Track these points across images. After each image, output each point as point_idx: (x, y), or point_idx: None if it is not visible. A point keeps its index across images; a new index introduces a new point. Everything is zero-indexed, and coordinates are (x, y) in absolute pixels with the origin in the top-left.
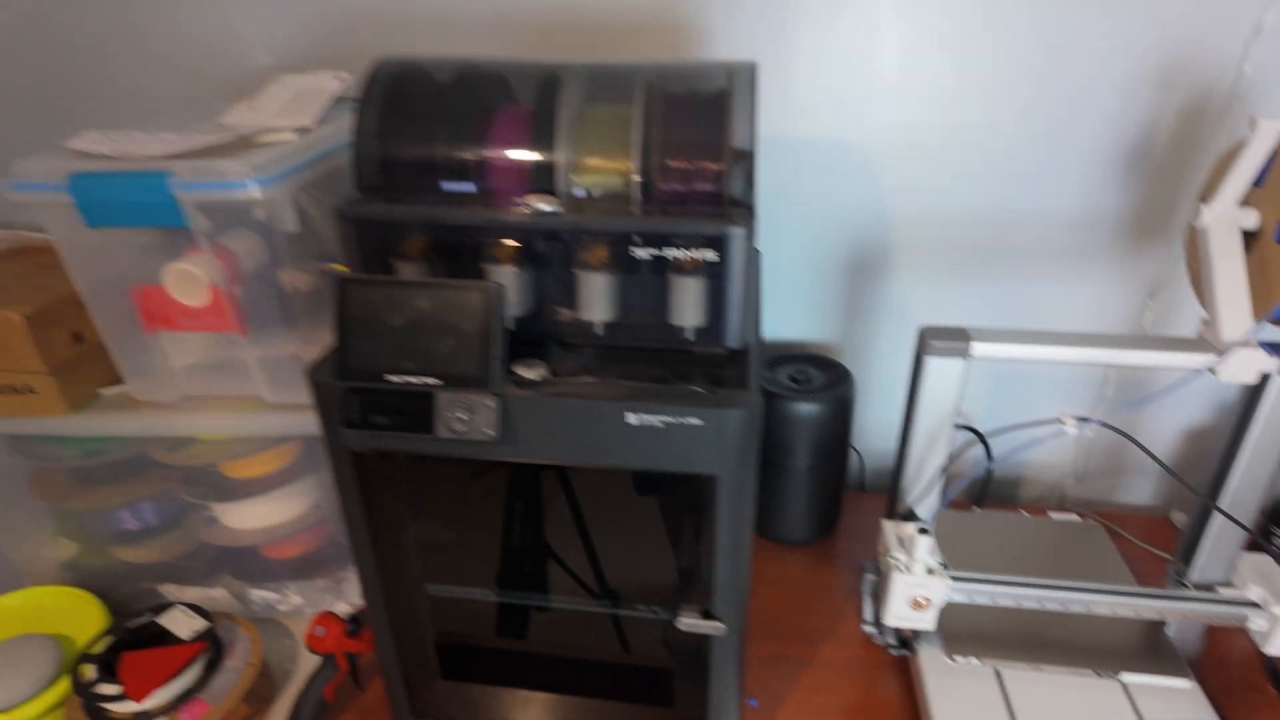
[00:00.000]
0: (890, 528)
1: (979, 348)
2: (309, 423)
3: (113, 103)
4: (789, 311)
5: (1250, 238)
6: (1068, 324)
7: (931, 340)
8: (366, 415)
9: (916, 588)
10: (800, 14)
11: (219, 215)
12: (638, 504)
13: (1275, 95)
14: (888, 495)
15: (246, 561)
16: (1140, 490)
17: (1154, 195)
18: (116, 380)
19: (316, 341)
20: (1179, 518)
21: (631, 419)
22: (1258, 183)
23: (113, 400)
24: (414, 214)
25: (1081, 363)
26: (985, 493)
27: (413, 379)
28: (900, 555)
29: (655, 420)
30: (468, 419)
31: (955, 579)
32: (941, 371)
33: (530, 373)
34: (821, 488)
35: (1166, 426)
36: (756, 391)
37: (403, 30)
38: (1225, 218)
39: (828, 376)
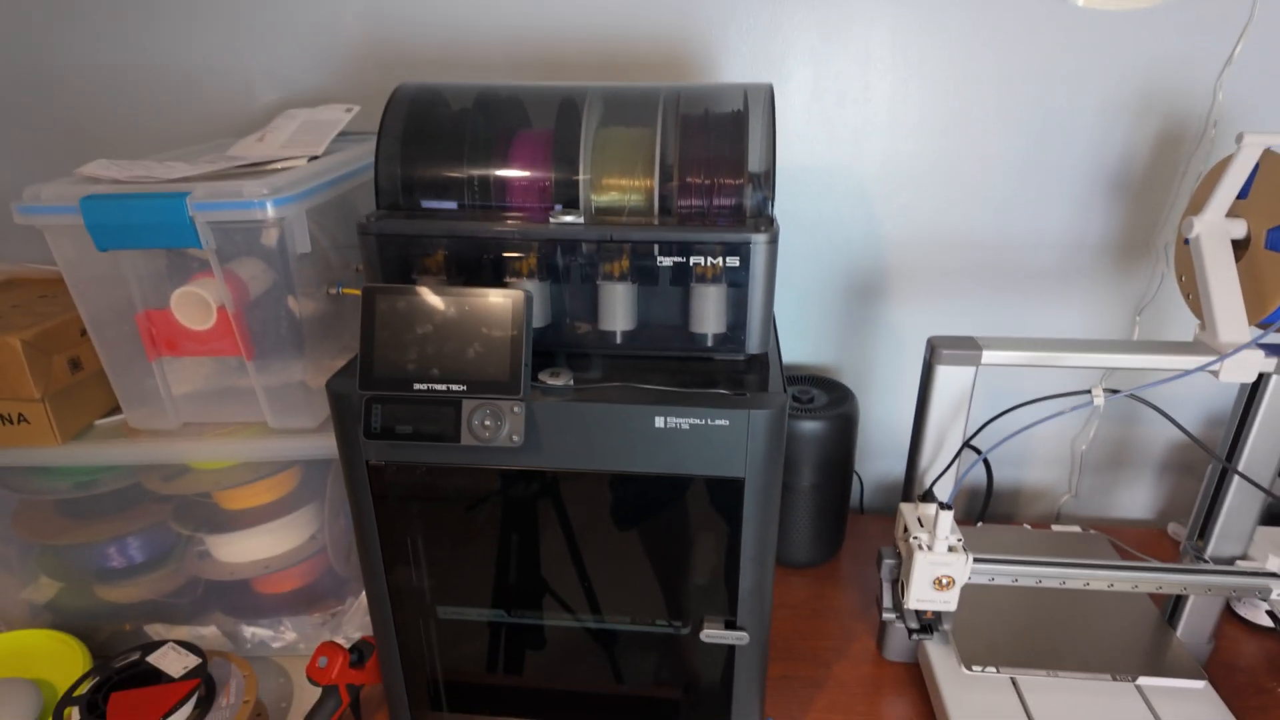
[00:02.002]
0: (909, 510)
1: (989, 355)
2: (312, 447)
3: (119, 142)
4: (789, 334)
5: (1239, 247)
6: None
7: (942, 349)
8: (390, 425)
9: (939, 566)
10: (799, 48)
11: (228, 239)
12: (657, 516)
13: (1246, 120)
14: (903, 488)
15: (239, 597)
16: (1136, 504)
17: (1136, 216)
18: (114, 410)
19: (323, 367)
20: (1175, 529)
21: (658, 422)
22: (1242, 195)
23: (108, 430)
24: (436, 227)
25: (1086, 366)
26: (986, 510)
27: (438, 386)
28: (921, 534)
29: (683, 423)
30: (494, 425)
31: (977, 559)
32: (952, 380)
33: (555, 380)
34: (827, 508)
35: (1160, 438)
36: (782, 392)
37: (412, 66)
38: (1216, 228)
39: (831, 396)
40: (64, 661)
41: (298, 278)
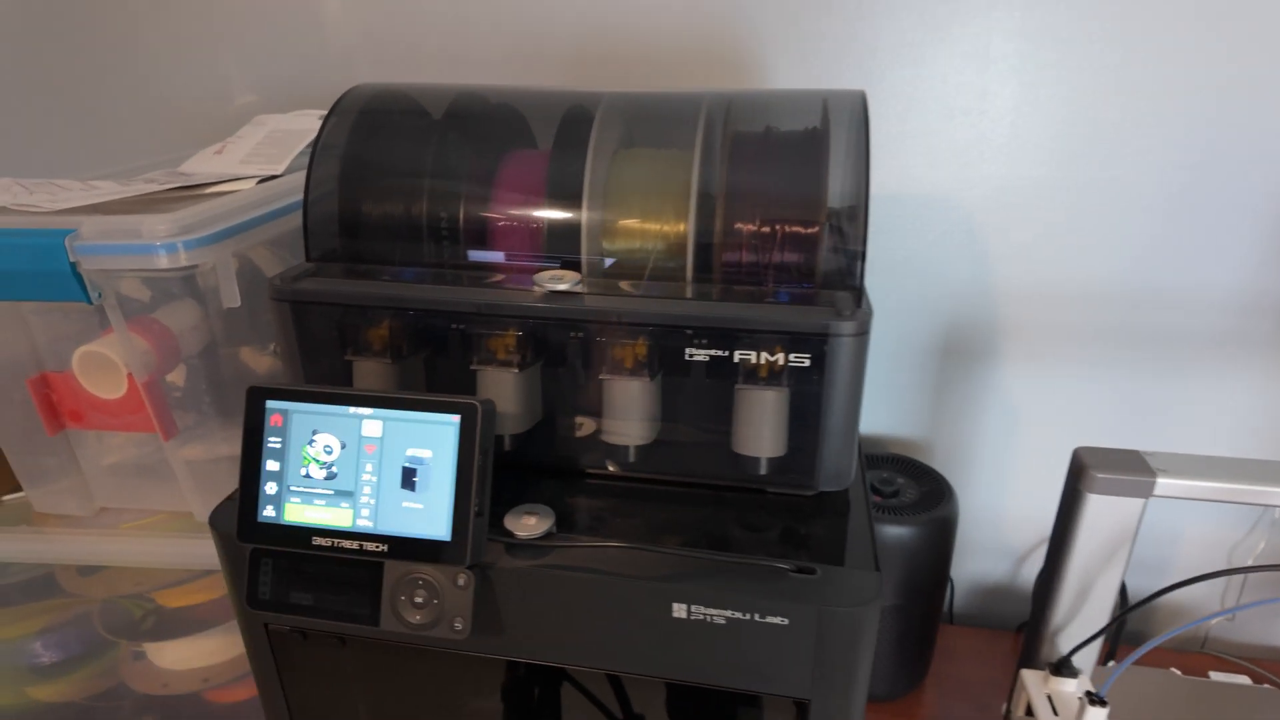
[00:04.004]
0: (1034, 682)
1: (1166, 484)
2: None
3: (88, 146)
4: (867, 400)
5: None
6: (1215, 430)
7: (1095, 471)
8: (282, 592)
9: None
10: (891, 43)
11: (154, 285)
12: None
13: None
14: (1022, 637)
15: (178, 708)
16: None
17: None
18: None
19: None
20: None
21: (678, 610)
22: None
23: (11, 511)
24: (375, 292)
25: None
26: (1116, 643)
27: (349, 543)
28: None
29: (715, 615)
30: (427, 605)
31: None
32: (1108, 515)
33: (528, 528)
34: (911, 632)
35: None
36: (874, 571)
37: (405, 65)
38: None
39: (922, 489)
40: None
41: (226, 336)
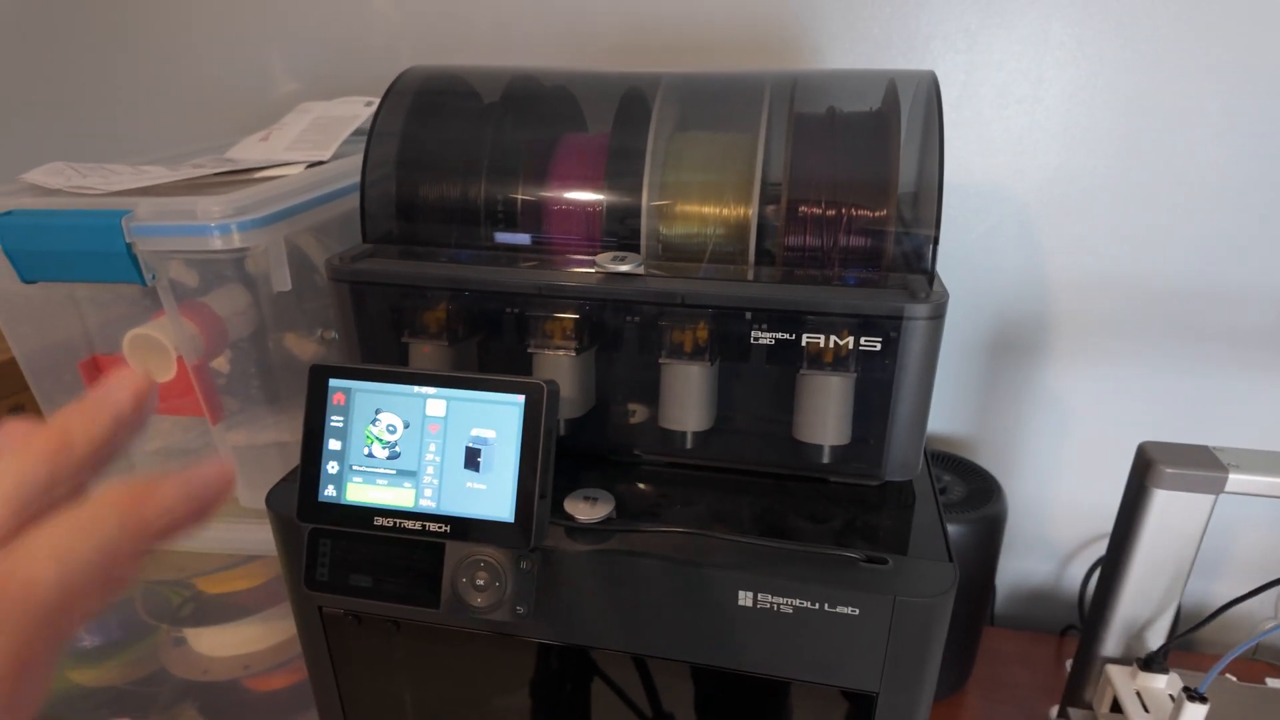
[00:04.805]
0: (1122, 678)
1: (1239, 480)
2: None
3: (138, 134)
4: None
5: None
6: (1275, 432)
7: (1164, 466)
8: (342, 574)
9: None
10: (946, 29)
11: (204, 269)
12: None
13: None
14: (1077, 637)
15: (218, 695)
16: None
17: None
18: None
19: None
20: None
21: (744, 598)
22: None
23: None
24: (433, 274)
25: None
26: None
27: (411, 523)
28: None
29: (782, 604)
30: (489, 588)
31: None
32: (1177, 512)
33: (589, 512)
34: (956, 632)
35: None
36: (947, 562)
37: (448, 53)
38: None
39: (969, 487)
40: None
41: (287, 316)
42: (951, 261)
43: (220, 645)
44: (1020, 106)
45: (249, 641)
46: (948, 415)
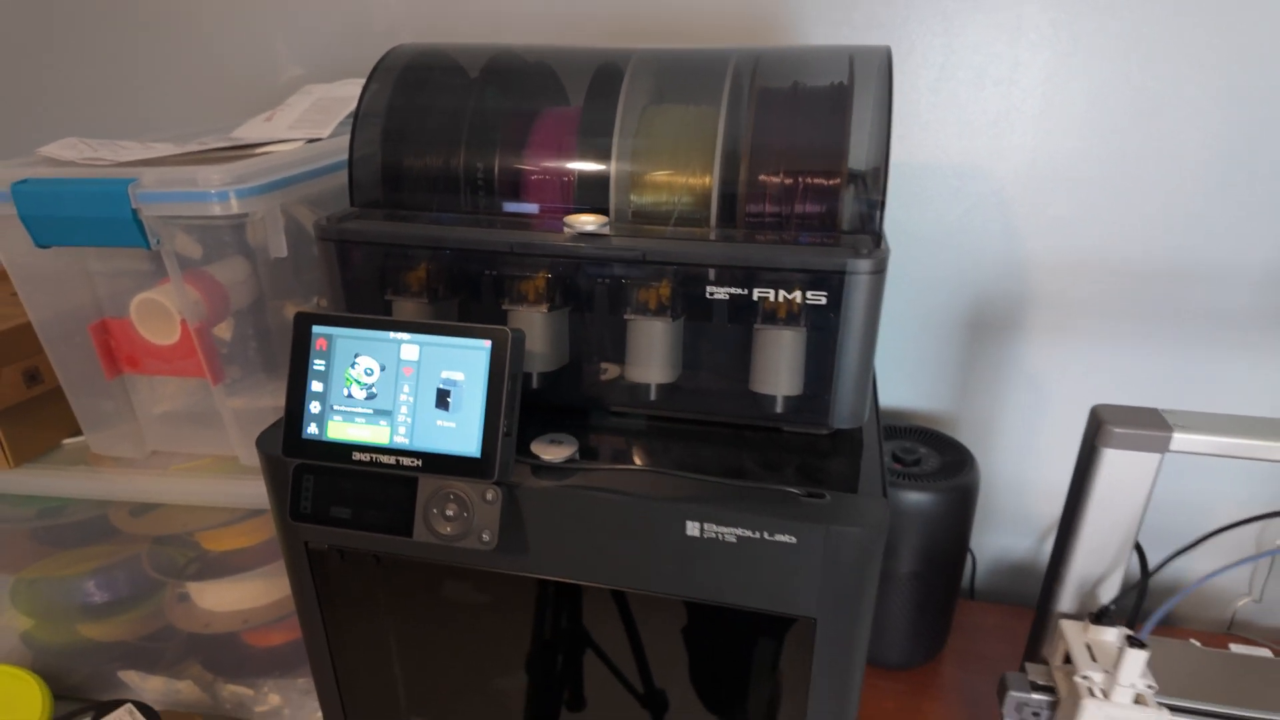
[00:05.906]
0: (1074, 632)
1: (1183, 439)
2: None
3: (149, 117)
4: (892, 374)
5: None
6: (1257, 410)
7: (1112, 426)
8: (323, 506)
9: None
10: (924, 12)
11: (206, 236)
12: (692, 650)
13: None
14: (1043, 591)
15: (219, 649)
16: None
17: None
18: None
19: None
20: None
21: (690, 529)
22: None
23: (70, 453)
24: (413, 233)
25: None
26: (1139, 612)
27: (386, 458)
28: (1094, 673)
29: (726, 533)
30: (457, 518)
31: (1174, 708)
32: (1125, 470)
33: (552, 453)
34: (931, 600)
35: None
36: (881, 497)
37: (448, 34)
38: None
39: (944, 459)
40: (20, 703)
41: (273, 287)
42: (932, 241)
43: (221, 600)
44: (997, 89)
45: (248, 597)
46: (928, 393)
